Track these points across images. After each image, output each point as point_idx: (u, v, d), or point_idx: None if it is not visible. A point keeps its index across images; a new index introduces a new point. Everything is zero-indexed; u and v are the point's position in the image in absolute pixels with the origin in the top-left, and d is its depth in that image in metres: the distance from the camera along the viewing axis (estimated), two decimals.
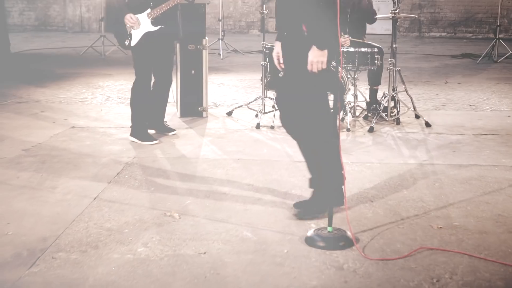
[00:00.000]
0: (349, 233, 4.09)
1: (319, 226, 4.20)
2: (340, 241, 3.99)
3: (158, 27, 6.15)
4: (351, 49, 7.13)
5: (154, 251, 3.90)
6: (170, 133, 6.63)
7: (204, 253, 3.89)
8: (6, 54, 12.66)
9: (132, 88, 6.32)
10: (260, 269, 3.68)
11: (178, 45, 7.43)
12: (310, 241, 4.02)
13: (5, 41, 12.79)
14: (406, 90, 7.57)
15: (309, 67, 4.16)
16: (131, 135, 6.36)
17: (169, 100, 6.93)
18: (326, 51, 4.14)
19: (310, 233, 4.10)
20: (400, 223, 4.40)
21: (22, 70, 11.40)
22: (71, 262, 3.75)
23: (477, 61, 12.85)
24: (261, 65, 7.48)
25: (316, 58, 4.14)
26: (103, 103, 8.45)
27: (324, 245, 3.96)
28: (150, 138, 6.29)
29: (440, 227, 4.32)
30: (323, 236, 4.02)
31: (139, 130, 6.30)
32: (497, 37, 13.08)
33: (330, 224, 4.08)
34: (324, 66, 4.17)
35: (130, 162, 5.67)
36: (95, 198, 4.80)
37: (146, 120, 6.40)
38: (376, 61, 7.19)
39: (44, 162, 5.73)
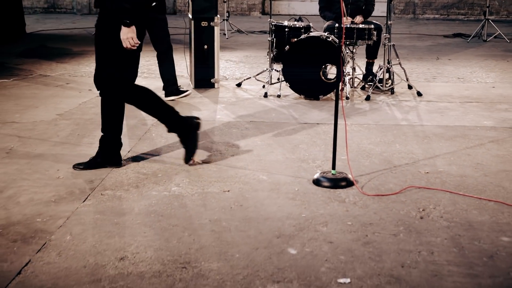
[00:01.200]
0: (349, 176, 4.80)
1: (324, 170, 4.90)
2: (342, 181, 4.70)
3: None
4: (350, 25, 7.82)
5: (186, 190, 4.60)
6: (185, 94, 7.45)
7: (228, 191, 4.59)
8: (22, 34, 13.32)
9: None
10: (276, 202, 4.39)
11: (192, 22, 8.10)
12: (317, 182, 4.72)
13: (21, 22, 13.44)
14: (400, 63, 8.26)
15: (124, 45, 4.72)
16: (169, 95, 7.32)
17: (182, 73, 7.63)
18: (133, 27, 4.70)
19: (316, 175, 4.81)
20: (393, 169, 5.10)
21: (40, 49, 12.04)
22: (117, 197, 4.45)
23: (468, 40, 13.54)
24: (268, 40, 8.15)
25: (125, 35, 4.73)
26: None
27: (329, 184, 4.66)
28: (183, 91, 7.51)
29: (427, 172, 5.03)
30: (327, 177, 4.73)
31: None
32: (487, 18, 13.76)
33: (333, 168, 4.79)
34: (136, 41, 4.72)
35: (156, 123, 6.36)
36: (129, 151, 5.50)
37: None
38: (372, 37, 7.87)
39: (78, 124, 6.42)
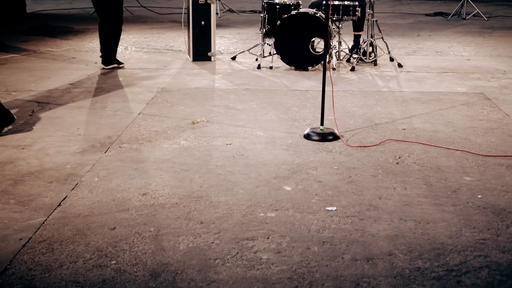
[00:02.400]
0: (336, 131, 5.44)
1: (314, 127, 5.54)
2: (329, 135, 5.34)
3: None
4: (336, 2, 8.44)
5: (193, 143, 5.23)
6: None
7: (230, 144, 5.22)
8: (24, 14, 13.82)
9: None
10: (272, 152, 5.03)
11: (190, 0, 8.69)
12: (307, 136, 5.36)
13: (22, 2, 13.94)
14: (382, 38, 8.89)
15: None
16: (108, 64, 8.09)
17: (180, 48, 8.25)
18: None
19: (307, 131, 5.45)
20: (374, 127, 5.75)
21: (43, 27, 12.57)
22: (134, 149, 5.07)
23: (448, 19, 14.18)
24: (261, 16, 8.76)
25: None
26: (123, 52, 9.70)
27: (318, 138, 5.31)
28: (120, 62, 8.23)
29: (404, 129, 5.68)
30: (316, 132, 5.37)
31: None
32: None
33: (322, 124, 5.43)
34: None
35: (160, 91, 6.97)
36: (139, 113, 6.11)
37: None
38: (357, 13, 8.50)
39: (90, 92, 7.02)
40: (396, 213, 3.88)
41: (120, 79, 7.65)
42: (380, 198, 4.08)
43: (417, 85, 7.39)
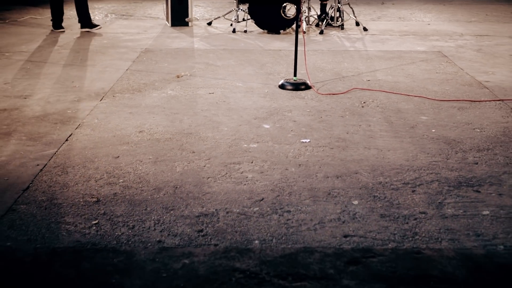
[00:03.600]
0: (308, 81, 5.99)
1: (287, 78, 6.08)
2: (302, 85, 5.88)
3: None
4: None
5: (179, 92, 5.74)
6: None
7: (213, 93, 5.74)
8: None
9: None
10: (251, 99, 5.56)
11: None
12: (282, 86, 5.90)
13: None
14: (348, 3, 9.43)
15: None
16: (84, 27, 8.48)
17: (158, 16, 8.72)
18: None
19: (281, 81, 5.98)
20: (341, 79, 6.31)
21: None
22: (126, 98, 5.56)
23: None
24: None
25: None
26: (103, 18, 10.11)
27: (292, 87, 5.85)
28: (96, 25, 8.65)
29: (369, 80, 6.25)
30: (290, 82, 5.91)
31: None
32: None
33: (295, 75, 5.97)
34: None
35: (144, 51, 7.44)
36: (127, 69, 6.59)
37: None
38: None
39: (78, 51, 7.46)
40: (361, 143, 4.44)
41: (104, 41, 8.08)
42: (347, 133, 4.65)
43: (381, 45, 7.96)
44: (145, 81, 6.04)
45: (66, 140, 4.41)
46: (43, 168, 3.91)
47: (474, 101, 5.44)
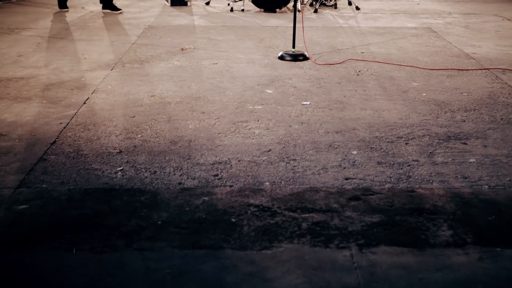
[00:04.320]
0: (305, 53, 6.31)
1: (286, 49, 6.40)
2: (300, 56, 6.20)
3: None
4: None
5: (185, 63, 6.05)
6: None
7: (216, 63, 6.05)
8: None
9: None
10: (253, 68, 5.88)
11: None
12: (281, 57, 6.22)
13: None
14: None
15: None
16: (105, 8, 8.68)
17: None
18: None
19: (280, 53, 6.30)
20: (337, 51, 6.63)
21: None
22: (135, 68, 5.87)
23: None
24: None
25: None
26: None
27: (290, 58, 6.17)
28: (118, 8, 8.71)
29: (363, 52, 6.58)
30: (289, 53, 6.23)
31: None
32: None
33: (293, 47, 6.29)
34: None
35: (147, 27, 7.73)
36: (133, 43, 6.88)
37: None
38: None
39: (84, 28, 7.74)
40: (357, 105, 4.78)
41: (108, 19, 8.36)
42: (344, 96, 4.98)
43: (373, 22, 8.28)
44: (151, 53, 6.34)
45: (84, 103, 4.72)
46: (66, 126, 4.22)
47: (462, 69, 5.77)
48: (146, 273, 2.54)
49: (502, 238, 2.83)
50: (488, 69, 5.76)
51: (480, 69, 5.75)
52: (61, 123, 4.26)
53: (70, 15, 8.60)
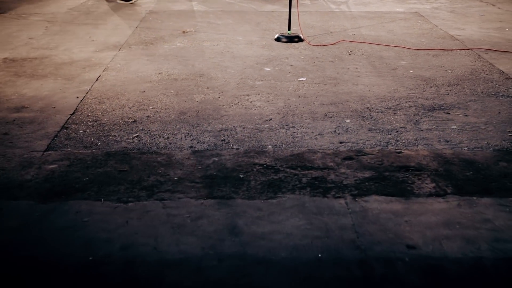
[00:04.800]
0: (301, 35, 6.68)
1: (282, 32, 6.76)
2: (295, 38, 6.56)
3: None
4: None
5: (187, 44, 6.40)
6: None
7: (217, 45, 6.41)
8: None
9: None
10: (251, 49, 6.24)
11: None
12: (277, 39, 6.58)
13: None
14: None
15: None
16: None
17: None
18: None
19: (277, 35, 6.66)
20: (330, 34, 7.00)
21: None
22: (141, 49, 6.21)
23: None
24: None
25: None
26: None
27: (286, 40, 6.53)
28: None
29: (354, 34, 6.94)
30: (285, 35, 6.59)
31: None
32: None
33: (289, 29, 6.65)
34: None
35: (148, 12, 8.06)
36: (136, 27, 7.23)
37: None
38: None
39: (88, 14, 8.07)
40: (350, 81, 5.15)
41: (110, 6, 8.69)
42: (337, 73, 5.35)
43: (363, 7, 8.65)
44: (154, 36, 6.68)
45: (97, 79, 5.07)
46: (82, 99, 4.58)
47: (447, 49, 6.15)
48: (168, 218, 2.91)
49: (478, 190, 3.21)
50: (471, 49, 6.13)
51: (463, 49, 6.12)
52: (77, 97, 4.61)
53: (73, 2, 8.92)
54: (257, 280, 2.44)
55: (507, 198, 3.11)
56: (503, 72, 5.29)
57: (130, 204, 3.03)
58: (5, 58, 5.64)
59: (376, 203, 3.05)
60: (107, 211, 2.96)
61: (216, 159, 3.55)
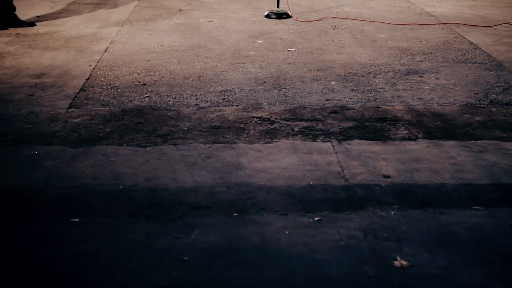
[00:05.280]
0: (289, 12, 7.18)
1: (271, 9, 7.26)
2: (283, 14, 7.06)
3: None
4: None
5: (184, 21, 6.88)
6: None
7: (212, 21, 6.89)
8: None
9: None
10: (243, 24, 6.73)
11: None
12: (267, 15, 7.07)
13: None
14: None
15: None
16: None
17: None
18: None
19: (266, 12, 7.16)
20: (315, 11, 7.50)
21: None
22: (142, 25, 6.69)
23: None
24: None
25: None
26: None
27: (275, 16, 7.03)
28: None
29: (337, 11, 7.46)
30: (274, 12, 7.09)
31: None
32: None
33: (278, 7, 7.16)
34: None
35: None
36: (135, 6, 7.67)
37: None
38: None
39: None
40: (334, 51, 5.67)
41: None
42: (323, 45, 5.87)
43: None
44: (153, 13, 7.16)
45: (105, 51, 5.55)
46: (94, 67, 5.06)
47: (423, 24, 6.69)
48: (182, 158, 3.43)
49: (444, 135, 3.76)
50: (445, 23, 6.67)
51: (438, 24, 6.66)
52: (90, 65, 5.09)
53: None
54: (260, 200, 2.97)
55: (469, 141, 3.65)
56: (472, 43, 5.83)
57: (148, 148, 3.54)
58: (18, 33, 6.10)
59: (358, 145, 3.58)
60: (129, 153, 3.47)
61: (219, 113, 4.06)
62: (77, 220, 2.77)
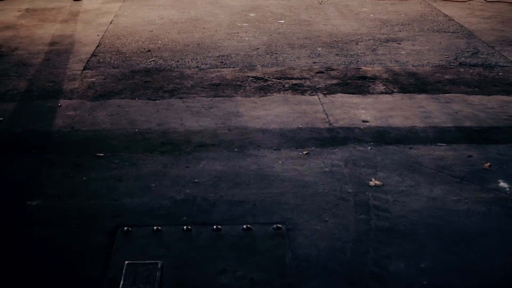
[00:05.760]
0: None
1: None
2: None
3: None
4: None
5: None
6: None
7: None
8: None
9: None
10: (235, 0, 7.21)
11: None
12: None
13: None
14: None
15: None
16: None
17: None
18: None
19: None
20: None
21: None
22: (141, 4, 7.15)
23: None
24: None
25: None
26: None
27: None
28: None
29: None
30: None
31: None
32: None
33: None
34: None
35: None
36: None
37: None
38: None
39: None
40: (320, 22, 6.15)
41: None
42: (310, 17, 6.35)
43: None
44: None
45: (110, 23, 6.01)
46: (102, 36, 5.52)
47: (402, 0, 7.18)
48: (187, 108, 3.91)
49: (417, 90, 4.26)
50: None
51: None
52: (98, 35, 5.55)
53: None
54: (257, 140, 3.46)
55: (438, 94, 4.16)
56: (447, 15, 6.33)
57: (157, 101, 4.02)
58: (27, 8, 6.53)
59: (340, 98, 4.08)
60: (141, 105, 3.95)
61: (218, 74, 4.55)
62: (102, 154, 3.26)
